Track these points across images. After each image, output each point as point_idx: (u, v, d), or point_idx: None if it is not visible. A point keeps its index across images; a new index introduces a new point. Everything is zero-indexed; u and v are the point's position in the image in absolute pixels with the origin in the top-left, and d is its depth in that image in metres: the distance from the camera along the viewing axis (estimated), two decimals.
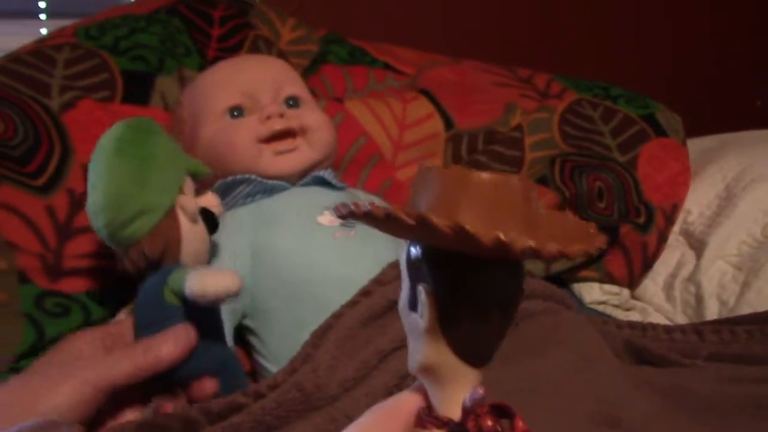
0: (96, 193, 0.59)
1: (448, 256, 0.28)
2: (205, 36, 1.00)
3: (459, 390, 0.28)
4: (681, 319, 0.89)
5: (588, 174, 0.99)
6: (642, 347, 0.68)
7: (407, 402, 0.31)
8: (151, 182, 0.59)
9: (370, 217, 0.26)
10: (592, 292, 0.92)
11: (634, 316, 0.91)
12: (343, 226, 0.71)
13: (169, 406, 0.55)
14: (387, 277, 0.63)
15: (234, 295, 0.53)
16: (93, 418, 0.52)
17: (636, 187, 1.00)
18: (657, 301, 0.93)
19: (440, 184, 0.27)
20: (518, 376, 0.55)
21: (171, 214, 0.59)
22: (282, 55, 1.01)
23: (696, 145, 1.12)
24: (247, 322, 0.70)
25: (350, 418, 0.47)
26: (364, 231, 0.71)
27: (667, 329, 0.73)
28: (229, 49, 1.00)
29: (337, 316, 0.58)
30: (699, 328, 0.72)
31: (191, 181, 0.63)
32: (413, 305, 0.29)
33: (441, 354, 0.29)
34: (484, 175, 0.27)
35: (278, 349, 0.67)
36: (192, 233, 0.61)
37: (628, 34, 1.64)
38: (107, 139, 0.61)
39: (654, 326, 0.74)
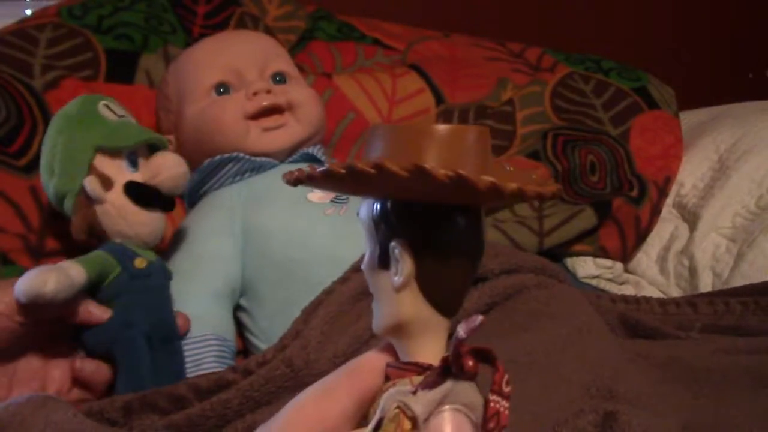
0: None
1: (414, 209, 0.29)
2: (190, 13, 0.99)
3: (433, 340, 0.29)
4: (675, 292, 0.89)
5: (580, 148, 0.98)
6: (636, 321, 0.68)
7: (374, 359, 0.31)
8: (55, 169, 0.60)
9: (330, 177, 0.27)
10: (585, 267, 0.92)
11: (628, 290, 0.91)
12: (333, 203, 0.70)
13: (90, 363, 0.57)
14: None
15: (39, 300, 0.52)
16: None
17: (628, 160, 0.99)
18: (650, 274, 0.93)
19: (393, 139, 0.28)
20: (513, 350, 0.55)
21: (83, 196, 0.59)
22: (269, 31, 0.99)
23: (688, 118, 1.11)
24: (241, 300, 0.69)
25: None
26: (355, 207, 0.70)
27: (661, 302, 0.73)
28: (215, 26, 0.98)
29: (327, 292, 0.57)
30: (693, 301, 0.72)
31: (112, 156, 0.61)
32: (383, 263, 0.29)
33: (417, 307, 0.29)
34: (439, 126, 0.27)
35: (268, 327, 0.66)
36: (107, 212, 0.60)
37: (621, 7, 1.62)
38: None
39: (648, 300, 0.74)
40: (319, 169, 0.27)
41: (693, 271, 0.88)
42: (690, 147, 1.03)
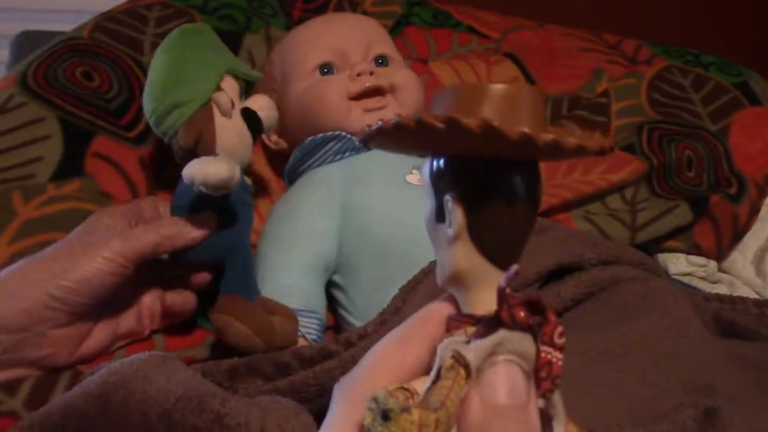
0: (146, 84, 0.65)
1: (470, 163, 0.29)
2: None
3: (490, 293, 0.29)
4: None
5: (677, 142, 0.96)
6: (731, 321, 0.67)
7: (437, 310, 0.31)
8: (185, 78, 0.62)
9: (399, 128, 0.28)
10: (677, 263, 0.90)
11: (721, 289, 0.88)
12: None
13: (178, 296, 0.63)
14: None
15: (224, 185, 0.56)
16: (116, 291, 0.57)
17: (727, 157, 0.96)
18: (746, 274, 0.90)
19: (455, 98, 0.29)
20: (610, 341, 0.54)
21: (206, 108, 0.62)
22: (366, 16, 1.00)
23: None
24: (335, 277, 0.71)
25: None
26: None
27: (758, 303, 0.71)
28: (315, 10, 1.00)
29: (426, 272, 0.58)
30: None
31: (235, 82, 0.65)
32: (440, 217, 0.30)
33: (470, 259, 0.30)
34: (497, 85, 0.28)
35: (364, 305, 0.68)
36: (228, 128, 0.63)
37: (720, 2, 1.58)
38: (165, 39, 0.66)
39: (744, 300, 0.72)
40: (392, 121, 0.28)
41: None
42: None
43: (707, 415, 0.47)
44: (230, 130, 0.63)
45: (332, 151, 0.74)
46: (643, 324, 0.58)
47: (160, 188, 0.78)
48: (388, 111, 0.75)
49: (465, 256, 0.30)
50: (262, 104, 0.67)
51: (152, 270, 0.62)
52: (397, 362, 0.30)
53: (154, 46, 0.86)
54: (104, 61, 0.82)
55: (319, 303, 0.70)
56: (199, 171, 0.56)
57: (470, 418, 0.27)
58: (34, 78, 0.78)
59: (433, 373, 0.29)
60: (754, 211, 0.93)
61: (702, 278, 0.90)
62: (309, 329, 0.66)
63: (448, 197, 0.30)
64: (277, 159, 0.87)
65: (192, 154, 0.61)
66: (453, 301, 0.31)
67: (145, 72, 0.84)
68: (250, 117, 0.65)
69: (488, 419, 0.27)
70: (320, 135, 0.75)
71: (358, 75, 0.75)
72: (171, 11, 0.92)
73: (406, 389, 0.29)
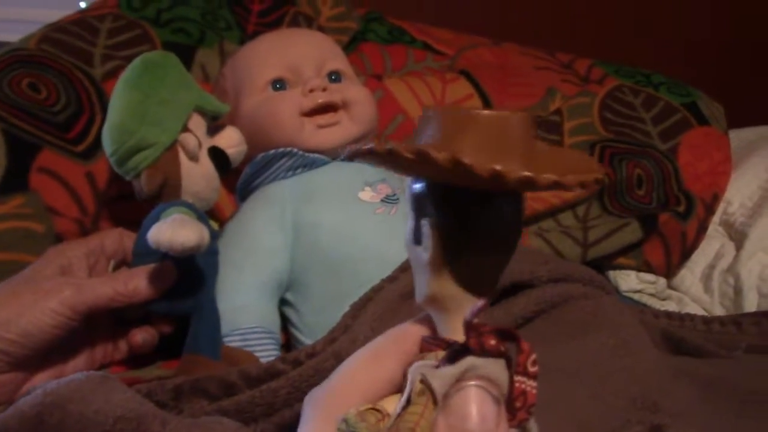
0: (106, 122, 0.61)
1: (451, 190, 0.29)
2: (245, 10, 1.00)
3: (462, 319, 0.29)
4: (719, 311, 0.88)
5: (628, 161, 0.97)
6: (680, 338, 0.67)
7: (412, 330, 0.31)
8: (149, 118, 0.59)
9: (373, 155, 0.27)
10: (628, 280, 0.91)
11: (671, 306, 0.90)
12: (384, 203, 0.70)
13: (139, 334, 0.60)
14: None
15: (192, 252, 0.53)
16: (66, 338, 0.55)
17: (676, 176, 0.98)
18: (694, 291, 0.92)
19: (441, 123, 0.28)
20: (560, 358, 0.55)
21: (172, 151, 0.59)
22: (322, 31, 1.00)
23: (737, 136, 1.10)
24: (286, 295, 0.70)
25: None
26: (405, 209, 0.71)
27: (705, 320, 0.72)
28: (269, 25, 1.00)
29: (376, 290, 0.57)
30: (738, 320, 0.71)
31: (201, 118, 0.62)
32: (417, 239, 0.30)
33: (444, 285, 0.30)
34: (484, 112, 0.27)
35: (314, 323, 0.67)
36: (194, 172, 0.60)
37: (671, 23, 1.61)
38: (126, 70, 0.63)
39: (692, 317, 0.73)
40: (367, 146, 0.28)
41: (738, 291, 0.87)
42: (739, 165, 1.02)
43: (654, 431, 0.47)
44: (197, 174, 0.60)
45: (284, 168, 0.74)
46: (593, 341, 0.58)
47: (108, 204, 0.76)
48: (341, 127, 0.75)
49: (439, 281, 0.30)
50: (231, 141, 0.64)
51: (112, 312, 0.60)
52: (369, 378, 0.30)
53: (105, 58, 0.85)
54: (52, 73, 0.80)
55: (275, 322, 0.69)
56: (166, 238, 0.52)
57: None
58: None
59: (404, 397, 0.28)
60: (702, 229, 0.95)
61: (652, 295, 0.92)
62: (265, 349, 0.65)
63: (425, 221, 0.29)
64: (228, 174, 0.85)
65: (156, 197, 0.59)
66: (430, 321, 0.31)
67: (94, 84, 0.82)
68: (219, 156, 0.62)
69: None
70: (272, 151, 0.74)
71: (311, 91, 0.75)
72: (123, 23, 0.91)
73: (377, 410, 0.28)
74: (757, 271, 0.87)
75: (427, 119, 0.29)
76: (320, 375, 0.50)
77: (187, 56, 0.91)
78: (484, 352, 0.27)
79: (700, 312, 0.88)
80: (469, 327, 0.27)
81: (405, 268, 0.61)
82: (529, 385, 0.28)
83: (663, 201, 0.95)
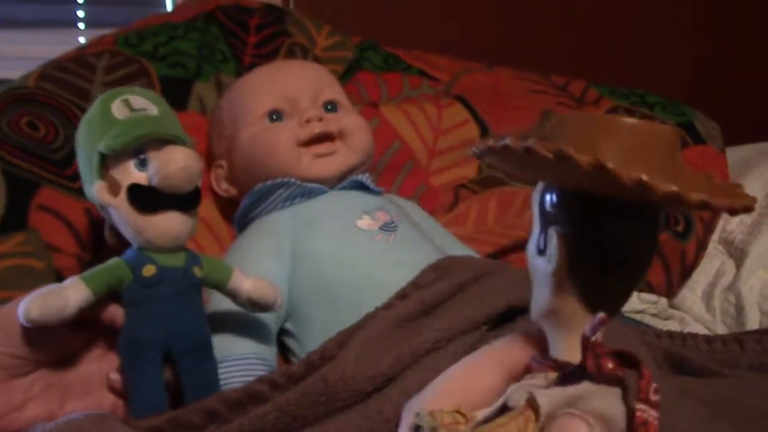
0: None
1: (585, 202, 0.27)
2: (241, 43, 1.01)
3: (579, 338, 0.27)
4: (720, 329, 0.88)
5: None
6: (682, 357, 0.67)
7: (517, 346, 0.30)
8: (81, 177, 0.59)
9: (507, 151, 0.26)
10: (629, 301, 0.91)
11: (673, 326, 0.90)
12: (382, 231, 0.71)
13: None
14: (425, 280, 0.62)
15: (34, 323, 0.50)
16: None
17: None
18: (696, 310, 0.92)
19: (579, 127, 0.27)
20: None
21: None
22: (317, 61, 1.01)
23: (734, 154, 1.10)
24: (286, 324, 0.70)
25: (383, 414, 0.47)
26: (403, 236, 0.71)
27: (708, 339, 0.72)
28: (265, 56, 1.01)
29: (370, 317, 0.57)
30: (740, 338, 0.71)
31: (114, 159, 0.56)
32: (541, 249, 0.29)
33: (566, 301, 0.28)
34: (628, 120, 0.26)
35: None
36: (118, 216, 0.56)
37: (666, 42, 1.62)
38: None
39: (694, 336, 0.73)
40: (501, 142, 0.26)
41: (740, 309, 0.87)
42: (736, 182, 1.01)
43: None
44: (119, 220, 0.56)
45: (282, 198, 0.74)
46: None
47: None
48: (338, 156, 0.76)
49: (561, 296, 0.28)
50: (171, 158, 0.54)
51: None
52: (466, 387, 0.30)
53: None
54: (50, 111, 0.81)
55: (272, 351, 0.69)
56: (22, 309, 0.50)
57: None
58: None
59: (493, 408, 0.27)
60: (702, 248, 0.95)
61: (654, 315, 0.91)
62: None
63: (552, 231, 0.28)
64: (227, 206, 0.86)
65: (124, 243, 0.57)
66: (537, 339, 0.30)
67: None
68: (139, 194, 0.55)
69: None
70: (269, 182, 0.74)
71: (307, 121, 0.75)
72: (120, 59, 0.91)
73: (460, 414, 0.27)
74: (758, 289, 0.87)
75: (561, 123, 0.27)
76: (308, 398, 0.49)
77: (184, 90, 0.92)
78: (600, 376, 0.26)
79: (703, 331, 0.88)
80: (586, 345, 0.26)
81: (403, 295, 0.61)
82: (651, 414, 0.26)
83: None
